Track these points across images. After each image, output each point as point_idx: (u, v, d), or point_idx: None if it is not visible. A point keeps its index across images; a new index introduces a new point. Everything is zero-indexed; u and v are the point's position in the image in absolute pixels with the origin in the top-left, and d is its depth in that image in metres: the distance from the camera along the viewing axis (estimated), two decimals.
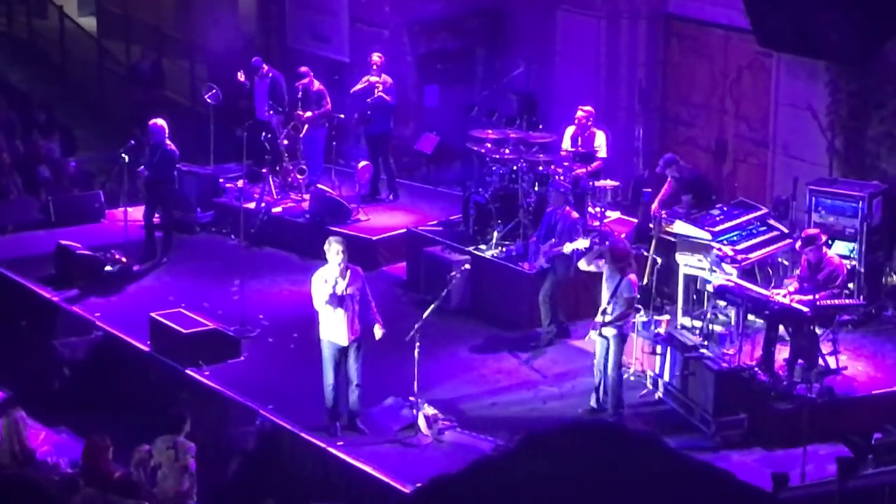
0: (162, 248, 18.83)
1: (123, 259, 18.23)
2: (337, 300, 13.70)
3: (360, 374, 13.98)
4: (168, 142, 18.53)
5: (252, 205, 19.63)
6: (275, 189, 20.05)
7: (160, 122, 18.71)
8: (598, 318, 14.31)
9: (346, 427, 14.04)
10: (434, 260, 17.52)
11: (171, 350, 15.70)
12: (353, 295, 13.80)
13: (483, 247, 17.57)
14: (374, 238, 18.83)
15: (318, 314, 13.92)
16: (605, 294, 14.31)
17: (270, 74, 20.75)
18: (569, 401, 14.86)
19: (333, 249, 13.77)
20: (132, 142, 19.27)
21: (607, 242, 15.14)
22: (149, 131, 18.71)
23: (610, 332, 14.30)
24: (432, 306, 14.38)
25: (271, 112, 20.39)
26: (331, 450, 13.75)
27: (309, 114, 20.21)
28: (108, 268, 18.08)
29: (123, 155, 18.93)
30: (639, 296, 14.52)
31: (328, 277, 13.77)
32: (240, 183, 19.93)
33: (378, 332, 13.92)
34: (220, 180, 20.70)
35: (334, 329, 13.82)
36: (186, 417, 13.00)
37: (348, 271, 13.79)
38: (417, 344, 13.99)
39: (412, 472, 13.34)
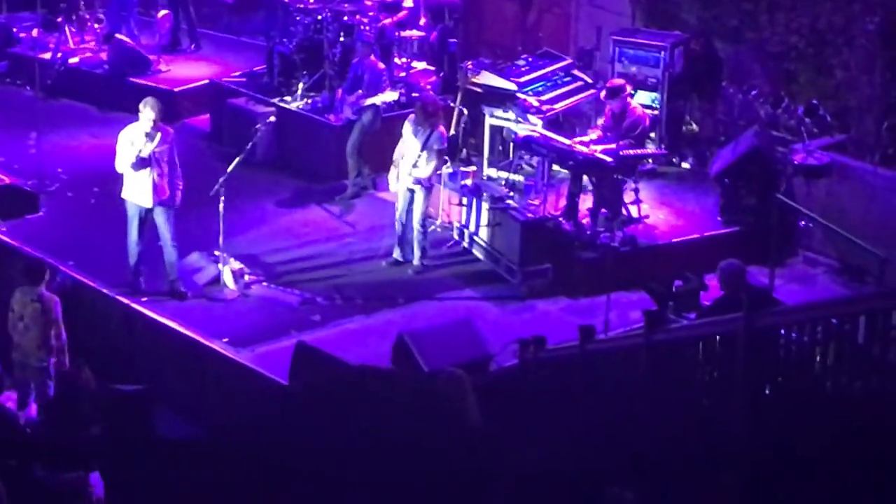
0: None
1: None
2: (141, 163, 13.35)
3: (173, 233, 13.69)
4: None
5: (48, 55, 19.00)
6: (71, 38, 19.41)
7: None
8: (407, 171, 14.28)
9: (169, 292, 13.76)
10: (238, 112, 17.22)
11: None
12: (160, 156, 13.46)
13: (288, 98, 17.32)
14: (175, 90, 18.42)
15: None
16: (414, 147, 14.26)
17: None
18: (376, 253, 14.86)
19: (147, 114, 13.35)
20: None
21: (416, 96, 15.07)
22: None
23: (418, 185, 14.31)
24: (237, 159, 14.15)
25: None
26: (135, 306, 13.55)
27: None
28: None
29: None
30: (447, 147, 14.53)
31: (135, 138, 13.39)
32: (34, 32, 19.25)
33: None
34: (14, 29, 19.96)
35: (138, 191, 13.48)
36: (46, 267, 12.54)
37: (158, 133, 13.43)
38: (222, 198, 13.79)
39: (219, 327, 13.26)
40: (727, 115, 16.37)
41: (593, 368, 9.19)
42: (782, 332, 6.79)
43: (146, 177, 13.41)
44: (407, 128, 14.39)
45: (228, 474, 4.51)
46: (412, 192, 14.34)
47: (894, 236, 13.33)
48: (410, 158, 14.29)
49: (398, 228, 14.56)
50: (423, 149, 14.21)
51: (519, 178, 15.36)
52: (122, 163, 13.46)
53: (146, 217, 13.61)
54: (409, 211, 14.43)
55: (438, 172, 14.76)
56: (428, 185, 14.35)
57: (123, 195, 13.62)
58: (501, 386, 11.28)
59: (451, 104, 16.18)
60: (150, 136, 13.38)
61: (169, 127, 13.80)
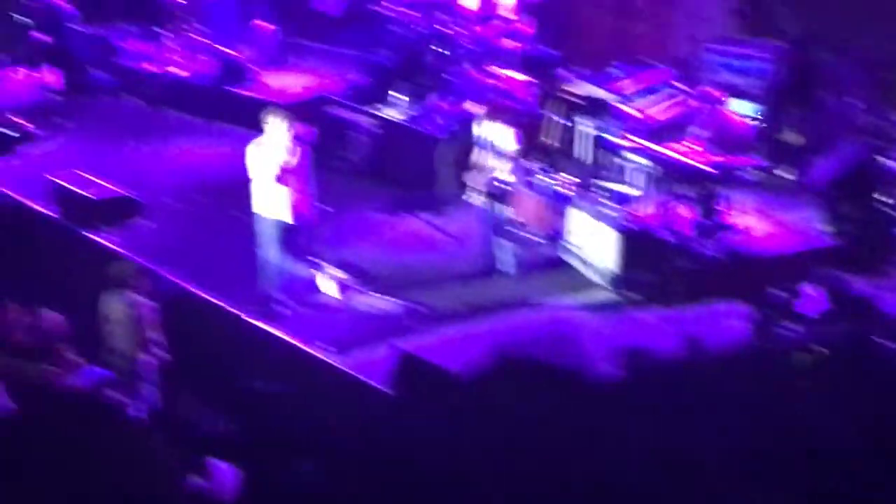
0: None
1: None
2: (283, 175, 13.27)
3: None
4: None
5: (150, 65, 19.33)
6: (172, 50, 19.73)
7: None
8: (483, 179, 14.40)
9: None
10: (338, 122, 17.41)
11: (81, 216, 15.31)
12: (299, 171, 13.41)
13: (386, 109, 17.47)
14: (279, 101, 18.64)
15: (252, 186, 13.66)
16: (489, 153, 14.38)
17: None
18: (473, 259, 14.92)
19: (281, 125, 13.34)
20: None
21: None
22: None
23: (497, 188, 14.41)
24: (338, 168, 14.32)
25: None
26: (243, 318, 13.64)
27: None
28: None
29: None
30: (521, 146, 14.56)
31: (270, 150, 13.33)
32: (132, 43, 19.61)
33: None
34: (115, 42, 20.30)
35: (274, 205, 13.41)
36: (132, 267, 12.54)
37: (298, 148, 13.43)
38: (322, 207, 13.96)
39: (325, 336, 13.37)
40: (826, 124, 16.30)
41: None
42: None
43: (284, 191, 13.41)
44: (483, 132, 14.52)
45: (347, 481, 4.59)
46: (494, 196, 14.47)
47: None
48: (488, 163, 14.43)
49: (492, 237, 14.68)
50: (496, 151, 14.35)
51: (615, 186, 15.37)
52: (260, 175, 13.39)
53: (280, 233, 13.59)
54: (497, 217, 14.53)
55: (528, 179, 14.87)
56: (511, 190, 14.44)
57: (256, 210, 13.60)
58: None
59: (545, 113, 16.23)
60: (289, 149, 13.38)
61: (304, 144, 13.92)
